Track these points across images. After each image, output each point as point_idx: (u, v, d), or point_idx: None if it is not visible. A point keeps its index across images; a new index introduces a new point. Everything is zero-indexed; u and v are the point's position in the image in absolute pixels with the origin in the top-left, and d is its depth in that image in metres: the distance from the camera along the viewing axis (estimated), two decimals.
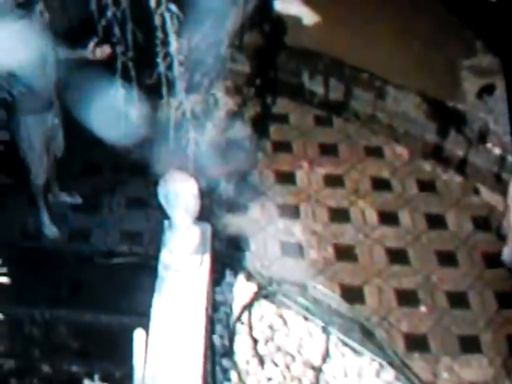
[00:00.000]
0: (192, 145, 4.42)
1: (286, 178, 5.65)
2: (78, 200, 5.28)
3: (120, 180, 5.52)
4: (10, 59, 4.08)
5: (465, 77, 5.90)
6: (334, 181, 5.65)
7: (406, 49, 6.06)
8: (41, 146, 4.80)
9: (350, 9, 6.24)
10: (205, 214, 4.07)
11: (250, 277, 4.99)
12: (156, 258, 3.99)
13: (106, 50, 4.50)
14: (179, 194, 3.83)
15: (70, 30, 5.31)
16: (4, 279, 4.00)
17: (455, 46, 6.09)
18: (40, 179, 4.94)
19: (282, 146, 5.88)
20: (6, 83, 4.40)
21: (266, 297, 4.91)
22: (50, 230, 5.11)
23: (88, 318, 4.66)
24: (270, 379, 4.55)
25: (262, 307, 4.87)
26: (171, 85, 4.11)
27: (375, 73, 5.94)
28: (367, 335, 4.74)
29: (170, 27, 3.77)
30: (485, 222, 5.40)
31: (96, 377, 4.47)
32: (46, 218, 5.10)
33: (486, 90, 5.72)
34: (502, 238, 5.15)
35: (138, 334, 3.64)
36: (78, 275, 4.89)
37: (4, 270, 4.03)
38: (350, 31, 6.09)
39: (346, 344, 4.69)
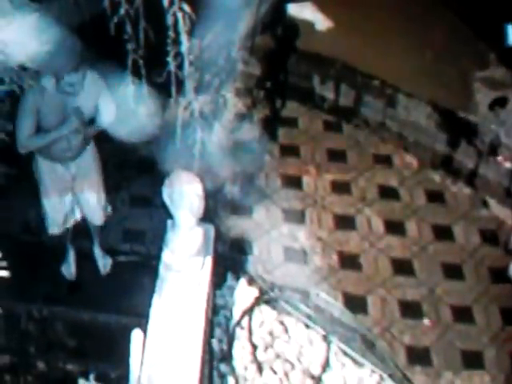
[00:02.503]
0: (199, 145, 4.37)
1: (293, 183, 5.60)
2: None
3: (125, 177, 5.47)
4: (22, 52, 4.05)
5: (477, 88, 5.85)
6: (341, 187, 5.60)
7: (418, 58, 6.03)
8: (58, 198, 4.47)
9: (363, 16, 6.21)
10: (209, 216, 4.02)
11: (251, 281, 4.94)
12: (157, 258, 3.94)
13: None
14: (184, 194, 3.78)
15: (82, 26, 5.28)
16: (3, 273, 3.95)
17: (468, 57, 6.06)
18: (53, 229, 4.58)
19: (290, 150, 5.84)
20: (16, 76, 4.36)
21: (267, 302, 4.85)
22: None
23: (86, 316, 4.62)
24: None
25: (263, 313, 4.81)
26: (181, 84, 4.07)
27: (387, 80, 5.90)
28: (369, 346, 4.68)
29: (182, 27, 3.74)
30: (493, 236, 5.33)
31: (91, 376, 4.43)
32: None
33: (499, 103, 5.66)
34: (509, 253, 5.10)
35: (136, 335, 3.59)
36: (77, 272, 4.84)
37: (4, 263, 3.99)
38: (363, 38, 6.06)
39: (346, 354, 4.63)
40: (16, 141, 4.17)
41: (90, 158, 4.46)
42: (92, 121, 4.29)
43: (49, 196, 4.47)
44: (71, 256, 4.85)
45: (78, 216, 4.66)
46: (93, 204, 4.57)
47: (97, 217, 4.64)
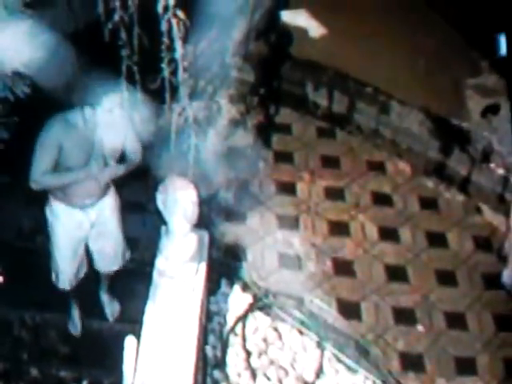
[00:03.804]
0: (193, 151, 4.36)
1: (287, 189, 5.60)
2: None
3: (119, 183, 5.45)
4: (16, 58, 4.04)
5: (469, 95, 5.87)
6: (334, 194, 5.61)
7: (411, 65, 6.05)
8: (72, 250, 4.12)
9: (357, 23, 6.23)
10: (203, 222, 4.02)
11: (245, 288, 4.94)
12: (151, 264, 3.93)
13: None
14: (178, 201, 3.78)
15: (77, 32, 5.28)
16: None
17: (461, 64, 6.08)
18: (64, 284, 4.26)
19: (284, 157, 5.84)
20: (11, 82, 4.34)
21: (261, 309, 4.84)
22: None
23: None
24: None
25: (257, 319, 4.80)
26: (175, 90, 4.06)
27: (380, 87, 5.92)
28: (362, 352, 4.67)
29: (176, 33, 3.73)
30: (486, 243, 5.34)
31: (84, 383, 4.41)
32: None
33: (491, 110, 5.69)
34: (502, 260, 5.10)
35: (129, 342, 3.57)
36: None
37: None
38: (356, 45, 6.08)
39: (340, 360, 4.63)
40: (29, 174, 3.84)
41: (111, 203, 4.11)
42: (121, 158, 3.98)
43: (61, 248, 4.12)
44: (75, 311, 4.52)
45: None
46: (109, 252, 4.23)
47: (111, 265, 4.31)
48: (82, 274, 4.32)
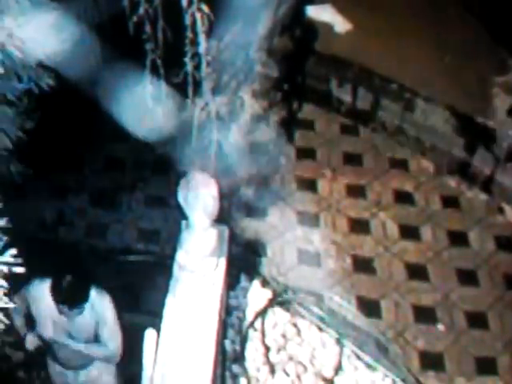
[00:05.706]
0: (215, 146, 4.38)
1: (308, 186, 5.59)
2: None
3: (141, 177, 5.49)
4: (41, 50, 4.07)
5: (496, 93, 5.80)
6: (356, 191, 5.59)
7: (437, 62, 5.99)
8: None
9: (382, 19, 6.19)
10: (223, 217, 4.03)
11: (265, 283, 4.94)
12: (172, 258, 3.95)
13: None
14: (199, 195, 3.79)
15: (101, 24, 5.31)
16: (19, 269, 3.97)
17: (487, 62, 6.01)
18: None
19: (306, 153, 5.83)
20: (35, 74, 4.38)
21: (280, 304, 4.84)
22: None
23: None
24: None
25: (276, 315, 4.81)
26: (198, 85, 4.07)
27: (405, 84, 5.87)
28: (382, 350, 4.66)
29: (200, 27, 3.74)
30: (508, 243, 5.29)
31: None
32: None
33: None
34: None
35: (149, 334, 3.59)
36: (91, 271, 4.85)
37: (19, 260, 4.00)
38: (381, 41, 6.03)
39: (359, 357, 4.62)
40: None
41: (102, 372, 4.04)
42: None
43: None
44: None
45: None
46: None
47: None
48: None
